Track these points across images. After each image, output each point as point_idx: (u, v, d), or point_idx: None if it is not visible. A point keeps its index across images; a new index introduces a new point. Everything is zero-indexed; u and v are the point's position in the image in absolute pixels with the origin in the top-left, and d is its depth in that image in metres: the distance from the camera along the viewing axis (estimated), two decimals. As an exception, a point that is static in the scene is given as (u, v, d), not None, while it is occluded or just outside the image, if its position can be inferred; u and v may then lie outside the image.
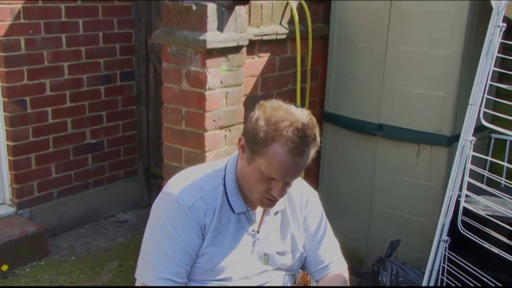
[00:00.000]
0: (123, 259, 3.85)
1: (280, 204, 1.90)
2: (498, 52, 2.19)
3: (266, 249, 1.88)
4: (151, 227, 1.82)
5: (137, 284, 1.91)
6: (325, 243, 2.01)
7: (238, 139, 1.78)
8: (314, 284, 2.09)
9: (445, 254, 2.41)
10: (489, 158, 2.83)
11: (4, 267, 3.56)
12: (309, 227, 1.98)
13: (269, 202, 1.77)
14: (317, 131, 1.69)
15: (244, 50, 2.99)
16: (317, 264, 2.00)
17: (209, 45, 2.75)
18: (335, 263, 2.02)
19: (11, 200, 3.99)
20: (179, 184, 1.81)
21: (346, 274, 2.04)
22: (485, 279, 2.28)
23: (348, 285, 2.02)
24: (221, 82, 2.89)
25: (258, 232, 1.86)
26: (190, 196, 1.76)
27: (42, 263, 3.77)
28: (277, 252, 1.90)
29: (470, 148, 2.26)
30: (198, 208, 1.76)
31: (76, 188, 4.30)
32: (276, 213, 1.91)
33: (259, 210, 1.88)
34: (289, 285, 1.98)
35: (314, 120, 1.71)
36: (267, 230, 1.88)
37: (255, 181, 1.72)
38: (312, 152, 1.71)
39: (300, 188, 2.00)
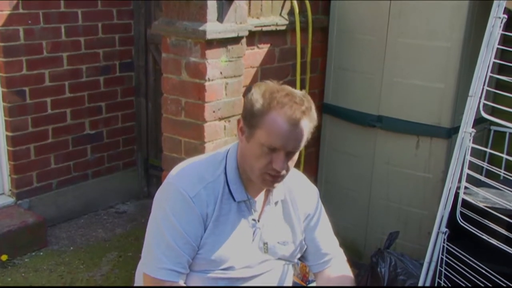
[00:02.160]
0: (122, 249, 3.86)
1: (280, 193, 1.91)
2: (498, 44, 2.18)
3: (266, 239, 1.89)
4: (154, 218, 1.82)
5: (137, 274, 1.92)
6: (325, 238, 2.04)
7: (237, 121, 1.81)
8: (313, 276, 2.10)
9: (443, 246, 2.41)
10: (488, 150, 2.82)
11: (4, 257, 3.57)
12: (310, 223, 2.00)
13: (271, 178, 1.76)
14: (313, 106, 1.74)
15: (244, 41, 2.98)
16: (318, 258, 2.03)
17: (209, 36, 2.75)
18: (335, 258, 2.05)
19: (10, 190, 3.99)
20: (181, 175, 1.82)
21: (348, 268, 2.07)
22: (483, 271, 2.29)
23: (353, 280, 2.04)
24: (221, 73, 2.89)
25: (258, 221, 1.87)
26: (193, 187, 1.76)
27: (41, 253, 3.77)
28: (278, 242, 1.91)
29: (470, 140, 2.26)
30: (201, 198, 1.76)
31: (75, 178, 4.30)
32: (276, 202, 1.92)
33: (259, 200, 1.89)
34: (288, 274, 1.99)
35: (309, 97, 1.76)
36: (267, 219, 1.89)
37: (256, 157, 1.73)
38: (310, 127, 1.73)
39: (301, 183, 2.02)
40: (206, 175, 1.80)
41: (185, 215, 1.75)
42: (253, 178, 1.78)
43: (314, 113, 1.74)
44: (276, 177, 1.76)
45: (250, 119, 1.72)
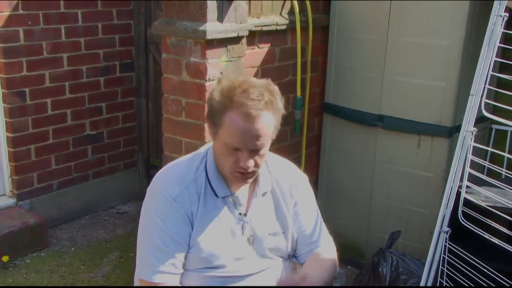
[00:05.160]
0: (123, 250, 3.85)
1: (267, 184, 1.91)
2: (499, 42, 2.18)
3: (255, 231, 1.88)
4: (142, 224, 1.86)
5: (135, 279, 1.92)
6: (315, 227, 2.02)
7: (205, 119, 1.82)
8: None
9: (445, 245, 2.40)
10: (490, 149, 2.82)
11: (5, 258, 3.57)
12: (299, 211, 1.99)
13: (241, 175, 1.76)
14: (276, 96, 1.71)
15: (244, 40, 2.98)
16: (306, 246, 2.00)
17: (209, 36, 2.74)
18: (323, 246, 2.02)
19: (11, 191, 3.99)
20: (162, 178, 1.86)
21: (334, 255, 2.03)
22: (485, 270, 2.28)
23: (337, 265, 2.02)
24: (221, 73, 2.88)
25: (245, 215, 1.87)
26: (174, 188, 1.79)
27: (43, 254, 3.77)
28: (269, 234, 1.91)
29: (471, 139, 2.26)
30: (183, 198, 1.78)
31: (76, 179, 4.30)
32: (264, 194, 1.91)
33: (244, 193, 1.88)
34: (285, 273, 1.98)
35: (274, 87, 1.73)
36: (256, 212, 1.89)
37: (223, 155, 1.74)
38: (273, 119, 1.71)
39: (290, 171, 2.01)
40: (187, 175, 1.82)
41: (171, 217, 1.77)
42: (225, 175, 1.80)
43: (277, 104, 1.71)
44: (245, 173, 1.76)
45: (212, 117, 1.73)
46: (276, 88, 1.73)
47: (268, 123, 1.69)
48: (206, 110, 1.78)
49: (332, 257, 2.01)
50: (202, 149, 1.92)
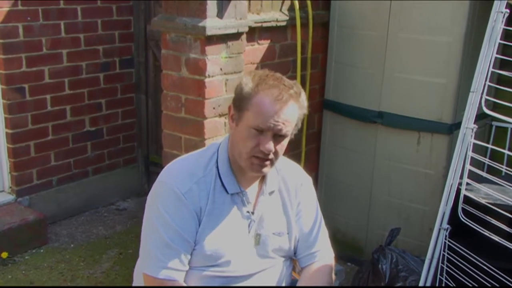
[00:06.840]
0: (123, 246, 3.85)
1: (274, 183, 1.91)
2: (500, 39, 2.17)
3: (260, 230, 1.88)
4: (148, 218, 1.84)
5: (135, 273, 1.92)
6: (316, 230, 2.02)
7: (228, 108, 1.83)
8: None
9: (445, 242, 2.40)
10: (490, 146, 2.81)
11: (4, 255, 3.57)
12: (301, 212, 1.99)
13: (259, 161, 1.76)
14: (303, 94, 1.78)
15: (244, 37, 2.97)
16: (306, 249, 2.01)
17: (209, 32, 2.73)
18: (322, 251, 2.02)
19: (10, 187, 3.98)
20: (172, 172, 1.84)
21: (332, 264, 2.04)
22: (485, 267, 2.28)
23: (333, 276, 2.02)
24: (221, 69, 2.88)
25: (253, 213, 1.86)
26: (183, 183, 1.77)
27: (42, 250, 3.77)
28: (273, 233, 1.90)
29: (471, 136, 2.25)
30: (193, 193, 1.77)
31: (75, 176, 4.30)
32: (271, 193, 1.91)
33: (253, 191, 1.88)
34: (287, 272, 1.98)
35: (300, 87, 1.80)
36: (263, 210, 1.89)
37: (244, 139, 1.74)
38: (299, 113, 1.76)
39: (295, 172, 2.02)
40: (197, 171, 1.81)
41: (179, 212, 1.76)
42: (242, 164, 1.79)
43: (303, 100, 1.77)
44: (264, 160, 1.75)
45: (239, 102, 1.75)
46: (300, 87, 1.81)
47: (294, 112, 1.75)
48: (233, 99, 1.81)
49: (328, 271, 2.00)
50: (212, 146, 1.92)
